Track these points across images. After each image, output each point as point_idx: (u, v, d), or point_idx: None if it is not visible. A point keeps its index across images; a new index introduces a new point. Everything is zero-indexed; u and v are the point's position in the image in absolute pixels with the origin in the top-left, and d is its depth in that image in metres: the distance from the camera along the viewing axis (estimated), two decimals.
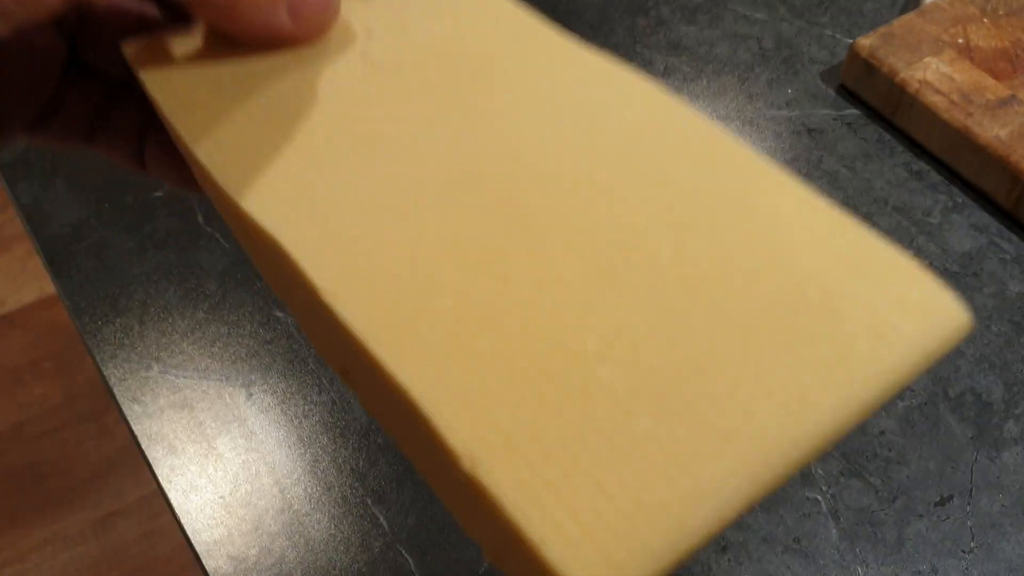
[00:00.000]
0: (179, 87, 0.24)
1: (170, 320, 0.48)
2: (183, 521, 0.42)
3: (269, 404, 0.46)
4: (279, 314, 0.49)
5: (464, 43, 0.25)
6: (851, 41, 0.61)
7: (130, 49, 0.25)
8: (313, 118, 0.22)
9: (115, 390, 0.46)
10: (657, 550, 0.15)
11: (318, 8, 0.23)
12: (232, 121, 0.22)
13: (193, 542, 0.41)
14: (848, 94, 0.60)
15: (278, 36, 0.22)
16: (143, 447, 0.44)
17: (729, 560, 0.41)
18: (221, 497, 0.43)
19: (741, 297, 0.19)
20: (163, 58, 0.24)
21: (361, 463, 0.44)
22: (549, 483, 0.16)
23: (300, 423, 0.45)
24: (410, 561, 0.41)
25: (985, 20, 0.59)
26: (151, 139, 0.27)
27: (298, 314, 0.23)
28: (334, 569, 0.41)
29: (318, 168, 0.22)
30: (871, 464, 0.44)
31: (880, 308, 0.19)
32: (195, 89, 0.23)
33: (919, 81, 0.55)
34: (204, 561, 0.41)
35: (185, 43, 0.25)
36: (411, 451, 0.20)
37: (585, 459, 0.16)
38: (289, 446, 0.44)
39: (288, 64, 0.23)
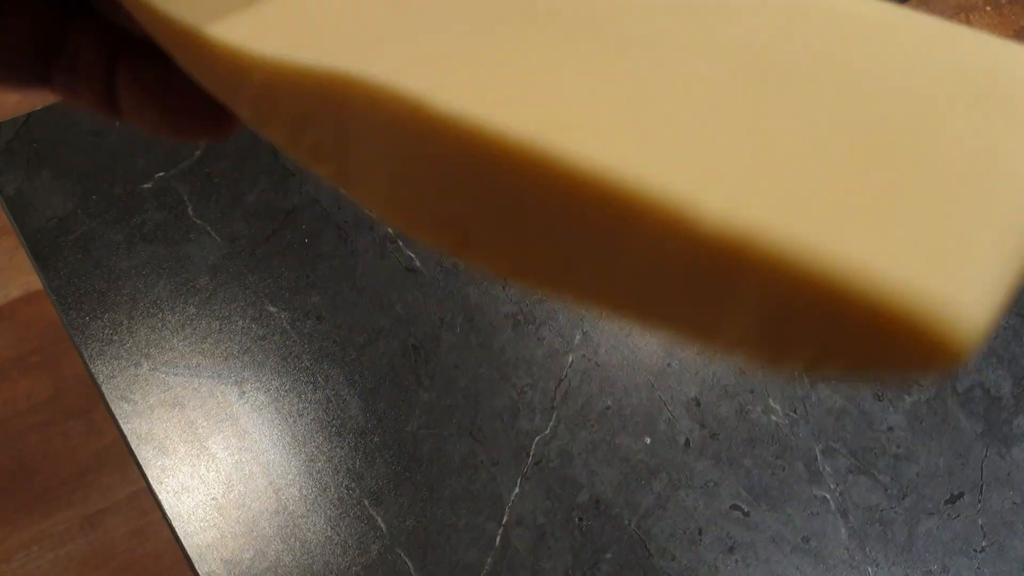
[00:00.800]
0: None
1: (160, 315, 0.47)
2: (175, 524, 0.41)
3: (262, 402, 0.44)
4: (272, 309, 0.47)
5: None
6: None
7: None
8: None
9: (103, 388, 0.44)
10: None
11: None
12: None
13: (185, 545, 0.40)
14: None
15: None
16: (133, 447, 0.42)
17: (736, 561, 0.40)
18: (214, 499, 0.41)
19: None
20: None
21: (358, 463, 0.43)
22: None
23: (294, 422, 0.44)
24: (409, 564, 0.40)
25: (988, 8, 0.58)
26: (123, 68, 0.23)
27: (378, 190, 0.18)
28: (331, 573, 0.39)
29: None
30: (880, 461, 0.43)
31: None
32: None
33: None
34: (197, 565, 0.40)
35: None
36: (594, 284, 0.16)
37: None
38: (283, 446, 0.43)
39: None
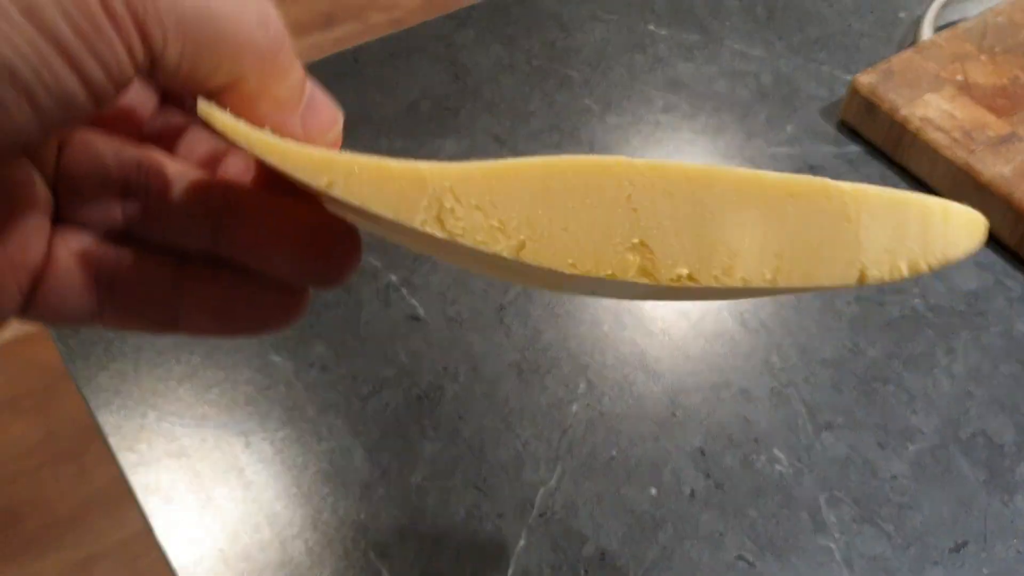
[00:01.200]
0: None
1: (166, 365, 0.47)
2: (179, 573, 0.40)
3: (268, 454, 0.44)
4: (276, 359, 0.48)
5: None
6: (849, 78, 0.61)
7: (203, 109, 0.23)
8: None
9: (110, 440, 0.44)
10: None
11: (323, 128, 0.24)
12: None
13: None
14: (849, 131, 0.59)
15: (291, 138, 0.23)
16: (139, 497, 0.42)
17: None
18: (220, 550, 0.41)
19: None
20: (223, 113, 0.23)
21: (363, 515, 0.43)
22: None
23: (299, 473, 0.44)
24: None
25: (983, 57, 0.59)
26: (188, 293, 0.24)
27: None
28: None
29: None
30: (883, 509, 0.43)
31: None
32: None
33: (920, 118, 0.55)
34: None
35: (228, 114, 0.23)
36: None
37: None
38: (289, 497, 0.43)
39: None
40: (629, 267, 0.22)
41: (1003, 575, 0.42)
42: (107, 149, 0.24)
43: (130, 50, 0.19)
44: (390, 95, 0.61)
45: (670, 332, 0.50)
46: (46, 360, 1.52)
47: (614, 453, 0.45)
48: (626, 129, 0.60)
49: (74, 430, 1.48)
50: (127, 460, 0.44)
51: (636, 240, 0.22)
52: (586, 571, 0.41)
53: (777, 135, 0.59)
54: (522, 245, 0.21)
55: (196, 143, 0.26)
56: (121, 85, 0.19)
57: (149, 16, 0.19)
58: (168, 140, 0.26)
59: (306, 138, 0.24)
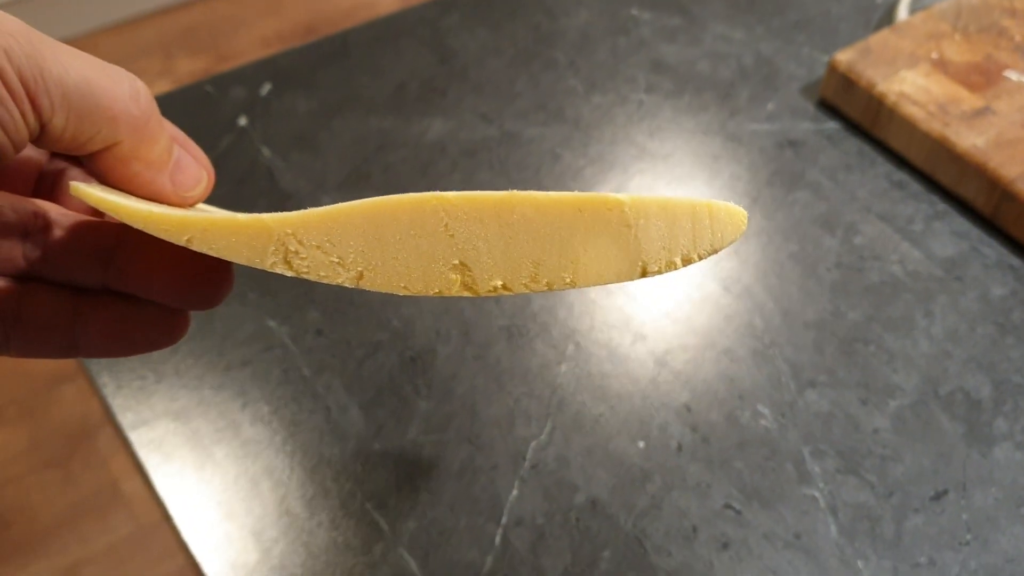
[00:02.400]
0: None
1: None
2: (180, 528, 0.41)
3: (264, 412, 0.45)
4: (272, 324, 0.49)
5: None
6: (828, 58, 0.62)
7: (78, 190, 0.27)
8: None
9: (110, 400, 0.45)
10: None
11: (189, 185, 0.28)
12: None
13: (192, 549, 0.41)
14: (828, 108, 0.61)
15: (160, 196, 0.28)
16: (139, 455, 0.43)
17: (731, 557, 0.41)
18: (219, 504, 0.42)
19: None
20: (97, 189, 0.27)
21: (359, 468, 0.43)
22: None
23: (296, 430, 0.45)
24: (412, 563, 0.41)
25: (957, 36, 0.61)
26: (85, 320, 0.28)
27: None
28: (335, 572, 0.40)
29: None
30: (866, 461, 0.45)
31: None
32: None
33: (896, 93, 0.57)
34: (203, 567, 0.40)
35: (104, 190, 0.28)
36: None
37: None
38: (286, 453, 0.44)
39: None
40: (453, 284, 0.26)
41: (982, 521, 0.43)
42: (5, 202, 0.27)
43: (24, 117, 0.23)
44: (378, 77, 0.63)
45: (655, 298, 0.51)
46: (31, 368, 1.52)
47: (603, 410, 0.46)
48: (610, 108, 0.61)
49: (60, 437, 1.48)
50: (127, 420, 0.45)
51: (456, 261, 0.25)
52: (578, 519, 0.42)
53: (758, 113, 0.61)
54: (360, 276, 0.25)
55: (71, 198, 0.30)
56: (19, 147, 0.23)
57: (40, 89, 0.22)
58: (60, 187, 0.30)
59: (174, 193, 0.28)
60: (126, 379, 0.46)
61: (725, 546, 0.42)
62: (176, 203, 0.28)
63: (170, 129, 0.29)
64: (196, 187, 0.29)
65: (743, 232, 0.28)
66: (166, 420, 0.45)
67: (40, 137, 0.24)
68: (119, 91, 0.25)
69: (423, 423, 0.45)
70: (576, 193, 0.25)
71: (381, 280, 0.25)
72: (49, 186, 0.30)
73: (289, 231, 0.25)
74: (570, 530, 0.42)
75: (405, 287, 0.25)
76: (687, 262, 0.27)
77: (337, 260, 0.25)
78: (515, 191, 0.25)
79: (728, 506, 0.43)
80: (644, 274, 0.26)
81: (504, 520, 0.42)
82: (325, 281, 0.25)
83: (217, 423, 0.45)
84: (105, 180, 0.27)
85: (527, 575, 0.40)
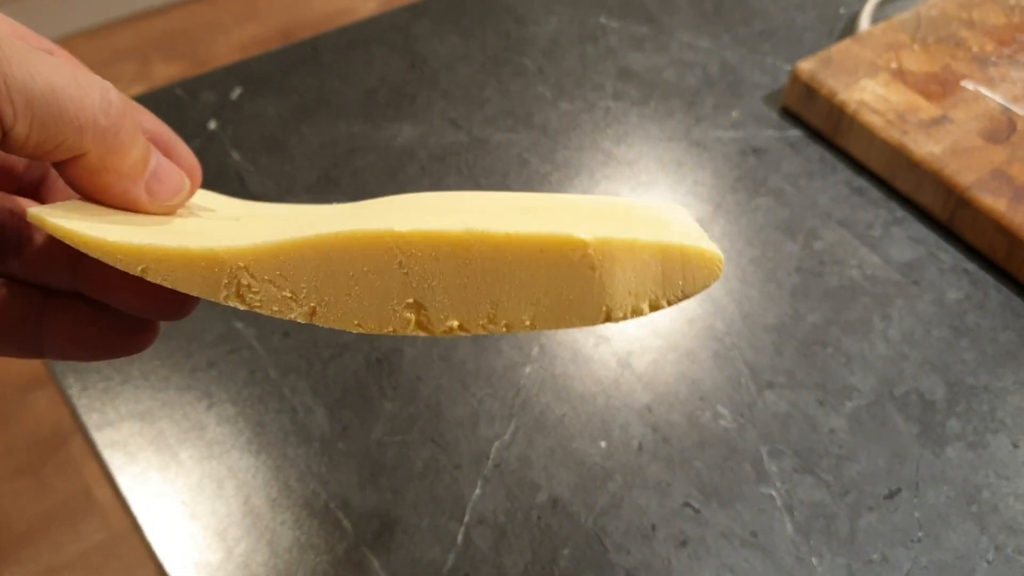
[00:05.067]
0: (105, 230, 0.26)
1: None
2: (145, 528, 0.42)
3: (230, 413, 0.46)
4: (239, 325, 0.49)
5: None
6: (792, 67, 0.64)
7: (39, 215, 0.27)
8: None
9: (75, 401, 0.45)
10: None
11: (167, 195, 0.28)
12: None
13: (155, 549, 0.41)
14: (790, 116, 0.62)
15: (136, 206, 0.27)
16: (104, 456, 0.43)
17: (689, 554, 0.42)
18: (184, 504, 0.43)
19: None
20: (74, 212, 0.27)
21: (324, 469, 0.44)
22: None
23: (261, 431, 0.45)
24: (375, 562, 0.41)
25: (915, 46, 0.62)
26: (49, 320, 0.28)
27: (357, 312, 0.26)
28: (299, 572, 0.41)
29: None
30: (823, 461, 0.46)
31: None
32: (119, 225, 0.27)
33: (857, 102, 0.58)
34: (167, 567, 0.41)
35: (68, 206, 0.27)
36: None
37: None
38: (251, 454, 0.44)
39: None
40: (407, 323, 0.25)
41: (934, 519, 0.44)
42: None
43: None
44: (348, 82, 0.63)
45: None
46: (2, 375, 1.51)
47: (566, 410, 0.47)
48: (577, 114, 0.62)
49: (32, 444, 1.47)
50: (91, 421, 0.45)
51: (410, 300, 0.24)
52: (539, 517, 0.43)
53: (722, 120, 0.62)
54: (313, 311, 0.25)
55: (64, 191, 0.30)
56: None
57: (2, 96, 0.22)
58: (45, 185, 0.30)
59: (151, 203, 0.28)
60: (91, 380, 0.46)
61: (683, 544, 0.43)
62: (154, 213, 0.28)
63: (155, 127, 0.29)
64: (176, 196, 0.29)
65: (718, 277, 0.26)
66: (131, 421, 0.45)
67: (3, 143, 0.24)
68: (88, 100, 0.24)
69: (388, 424, 0.46)
70: (537, 231, 0.24)
71: (334, 317, 0.25)
72: (34, 185, 0.30)
73: (242, 264, 0.24)
74: (531, 528, 0.42)
75: (359, 324, 0.25)
76: (655, 308, 0.26)
77: (290, 295, 0.25)
78: (472, 229, 0.24)
79: (687, 505, 0.44)
80: (608, 319, 0.25)
81: (467, 519, 0.43)
82: (278, 316, 0.25)
83: (183, 424, 0.45)
84: (76, 189, 0.27)
85: (488, 573, 0.41)
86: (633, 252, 0.25)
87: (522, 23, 0.68)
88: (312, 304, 0.24)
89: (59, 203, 0.27)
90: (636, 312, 0.25)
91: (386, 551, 0.41)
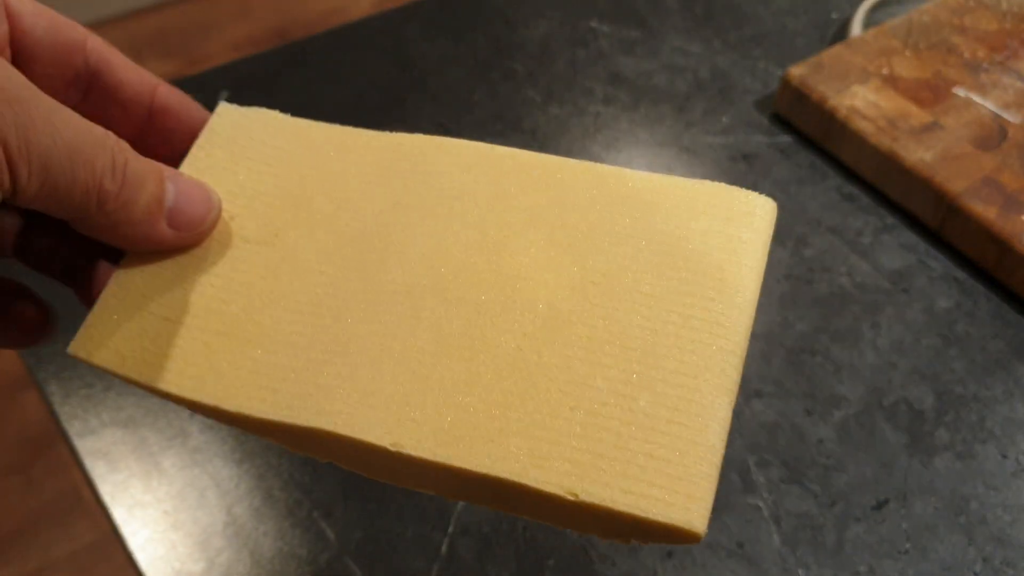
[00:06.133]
0: (142, 353, 0.27)
1: None
2: (126, 536, 0.41)
3: (213, 422, 0.45)
4: None
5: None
6: (783, 72, 0.63)
7: (80, 348, 0.28)
8: (249, 314, 0.28)
9: (57, 408, 0.45)
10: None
11: (196, 219, 0.28)
12: (189, 353, 0.27)
13: (136, 558, 0.41)
14: (781, 122, 0.62)
15: (162, 245, 0.27)
16: (86, 464, 0.43)
17: (674, 566, 0.42)
18: (166, 512, 0.42)
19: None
20: (102, 335, 0.28)
21: (307, 478, 0.44)
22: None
23: (245, 439, 0.45)
24: (358, 572, 0.41)
25: (907, 53, 0.62)
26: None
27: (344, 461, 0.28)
28: None
29: (292, 351, 0.27)
30: (810, 471, 0.45)
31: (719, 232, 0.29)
32: (153, 345, 0.27)
33: (847, 108, 0.58)
34: None
35: (108, 309, 0.28)
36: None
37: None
38: (234, 462, 0.44)
39: (190, 273, 0.28)
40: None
41: (921, 530, 0.44)
42: None
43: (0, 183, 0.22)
44: (338, 85, 0.63)
45: None
46: None
47: None
48: (567, 119, 0.62)
49: (21, 444, 1.47)
50: (74, 428, 0.45)
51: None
52: (524, 528, 0.42)
53: (713, 125, 0.62)
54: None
55: None
56: None
57: (21, 158, 0.22)
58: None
59: (177, 237, 0.27)
60: (74, 387, 0.46)
61: (669, 555, 0.42)
62: (188, 244, 0.28)
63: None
64: (205, 219, 0.28)
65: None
66: (113, 429, 0.45)
67: (11, 197, 0.23)
68: (98, 164, 0.24)
69: None
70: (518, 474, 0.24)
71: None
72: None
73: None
74: (516, 539, 0.42)
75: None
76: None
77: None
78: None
79: None
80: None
81: (451, 529, 0.42)
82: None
83: (166, 432, 0.45)
84: (96, 237, 0.27)
85: None
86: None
87: (512, 27, 0.68)
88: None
89: (90, 322, 0.28)
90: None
91: (369, 561, 0.41)
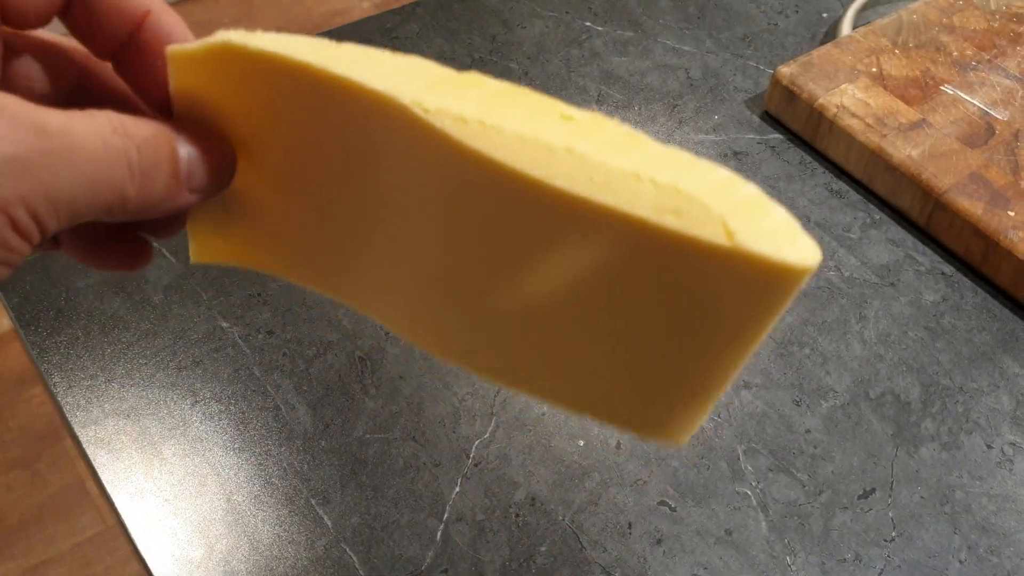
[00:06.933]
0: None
1: (115, 332, 0.49)
2: (128, 523, 0.42)
3: (214, 411, 0.46)
4: (224, 324, 0.50)
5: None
6: (773, 71, 0.64)
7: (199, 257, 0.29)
8: None
9: (61, 399, 0.46)
10: None
11: (214, 180, 0.28)
12: None
13: (138, 544, 0.42)
14: (771, 120, 0.63)
15: (188, 208, 0.27)
16: (88, 452, 0.44)
17: (664, 552, 0.43)
18: (167, 500, 0.43)
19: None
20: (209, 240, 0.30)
21: (306, 466, 0.45)
22: None
23: (245, 428, 0.46)
24: (354, 558, 0.42)
25: (896, 51, 0.63)
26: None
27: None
28: (279, 567, 0.41)
29: None
30: (798, 460, 0.46)
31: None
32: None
33: (837, 106, 0.59)
34: (149, 563, 0.41)
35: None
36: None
37: None
38: (234, 451, 0.45)
39: None
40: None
41: (907, 518, 0.45)
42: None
43: (30, 241, 0.23)
44: None
45: None
46: None
47: (545, 409, 0.47)
48: None
49: (26, 438, 1.48)
50: (76, 418, 0.46)
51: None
52: (517, 515, 0.43)
53: (704, 123, 0.63)
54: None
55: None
56: (22, 257, 0.24)
57: (50, 221, 0.23)
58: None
59: (200, 198, 0.27)
60: (77, 378, 0.47)
61: (659, 541, 0.43)
62: (214, 195, 0.28)
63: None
64: (223, 176, 0.28)
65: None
66: (116, 419, 0.46)
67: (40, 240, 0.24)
68: (117, 179, 0.24)
69: (370, 422, 0.46)
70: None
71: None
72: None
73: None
74: (509, 525, 0.43)
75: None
76: None
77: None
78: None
79: (663, 503, 0.44)
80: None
81: (446, 516, 0.43)
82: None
83: (167, 421, 0.46)
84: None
85: (466, 569, 0.42)
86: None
87: (508, 26, 0.69)
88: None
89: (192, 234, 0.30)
90: None
91: (365, 547, 0.42)
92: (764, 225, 0.24)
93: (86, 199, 0.24)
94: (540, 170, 0.24)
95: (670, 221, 0.23)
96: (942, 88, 0.60)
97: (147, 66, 0.28)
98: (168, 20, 0.29)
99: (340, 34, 0.67)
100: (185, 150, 0.27)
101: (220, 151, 0.28)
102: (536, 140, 0.24)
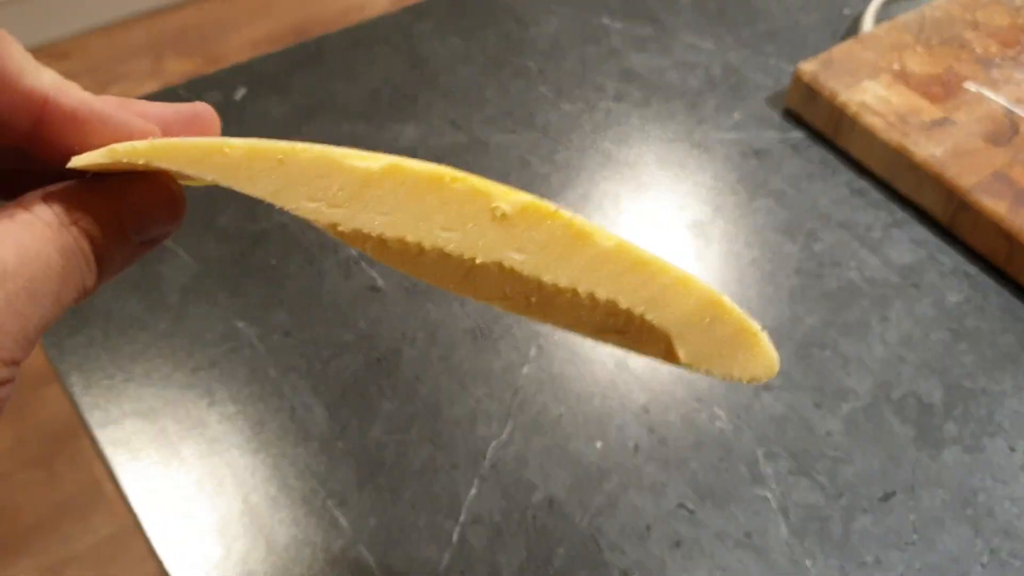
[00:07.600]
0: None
1: (132, 331, 0.49)
2: (144, 524, 0.42)
3: (231, 411, 0.46)
4: (240, 324, 0.50)
5: None
6: (794, 68, 0.64)
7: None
8: None
9: (78, 399, 0.46)
10: None
11: (169, 220, 0.29)
12: None
13: (154, 544, 0.42)
14: (793, 117, 0.62)
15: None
16: (106, 452, 0.44)
17: (683, 556, 0.42)
18: (184, 501, 0.43)
19: None
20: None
21: (323, 467, 0.44)
22: None
23: (261, 429, 0.46)
24: (371, 560, 0.42)
25: (919, 48, 0.62)
26: None
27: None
28: (296, 568, 0.41)
29: None
30: (818, 463, 0.46)
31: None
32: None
33: (858, 103, 0.58)
34: (166, 564, 0.41)
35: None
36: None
37: None
38: (251, 452, 0.45)
39: None
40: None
41: (928, 522, 0.44)
42: None
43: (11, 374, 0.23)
44: (351, 82, 0.64)
45: None
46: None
47: (562, 411, 0.47)
48: (578, 115, 0.62)
49: (44, 437, 1.48)
50: (94, 418, 0.46)
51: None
52: (535, 517, 0.43)
53: (725, 121, 0.62)
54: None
55: None
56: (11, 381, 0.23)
57: (19, 346, 0.22)
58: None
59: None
60: (95, 378, 0.47)
61: (677, 544, 0.43)
62: (171, 231, 0.28)
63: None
64: (173, 208, 0.28)
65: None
66: (133, 419, 0.46)
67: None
68: (77, 277, 0.24)
69: (386, 423, 0.46)
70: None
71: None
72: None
73: None
74: (527, 528, 0.43)
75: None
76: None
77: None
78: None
79: (682, 505, 0.44)
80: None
81: (463, 518, 0.43)
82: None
83: (184, 422, 0.46)
84: None
85: (483, 571, 0.42)
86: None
87: (523, 24, 0.68)
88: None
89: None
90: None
91: (382, 549, 0.42)
92: (716, 336, 0.24)
93: (53, 311, 0.23)
94: (469, 293, 0.25)
95: (612, 339, 0.24)
96: (965, 85, 0.60)
97: (59, 157, 0.26)
98: (66, 102, 0.26)
99: (356, 32, 0.67)
100: (127, 210, 0.26)
101: (163, 191, 0.28)
102: (460, 258, 0.24)
